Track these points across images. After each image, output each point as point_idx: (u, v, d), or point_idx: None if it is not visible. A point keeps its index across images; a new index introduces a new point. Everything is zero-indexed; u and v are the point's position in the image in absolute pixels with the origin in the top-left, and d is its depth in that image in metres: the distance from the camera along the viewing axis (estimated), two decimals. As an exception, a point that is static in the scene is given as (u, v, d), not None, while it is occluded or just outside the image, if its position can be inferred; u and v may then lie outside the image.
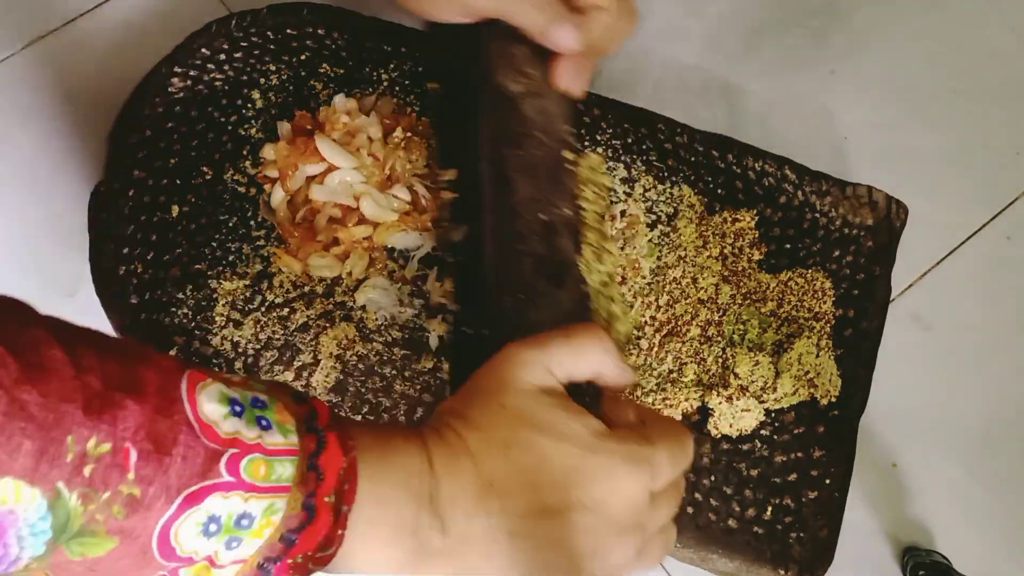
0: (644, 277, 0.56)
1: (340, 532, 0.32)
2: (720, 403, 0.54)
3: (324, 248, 0.55)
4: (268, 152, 0.57)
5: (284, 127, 0.57)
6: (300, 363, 0.53)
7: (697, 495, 0.53)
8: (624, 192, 0.58)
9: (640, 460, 0.36)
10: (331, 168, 0.55)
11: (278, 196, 0.56)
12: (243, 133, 0.58)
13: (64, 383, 0.27)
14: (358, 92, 0.59)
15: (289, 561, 0.31)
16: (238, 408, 0.30)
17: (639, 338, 0.55)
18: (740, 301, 0.56)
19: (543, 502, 0.35)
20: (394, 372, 0.53)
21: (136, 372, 0.29)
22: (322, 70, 0.59)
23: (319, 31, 0.60)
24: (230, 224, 0.56)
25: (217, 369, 0.33)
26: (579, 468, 0.35)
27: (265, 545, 0.30)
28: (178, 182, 0.56)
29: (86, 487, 0.27)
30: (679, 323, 0.55)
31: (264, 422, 0.31)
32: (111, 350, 0.29)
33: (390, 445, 0.34)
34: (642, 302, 0.55)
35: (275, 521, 0.30)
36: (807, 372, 0.55)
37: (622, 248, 0.56)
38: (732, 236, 0.58)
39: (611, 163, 0.58)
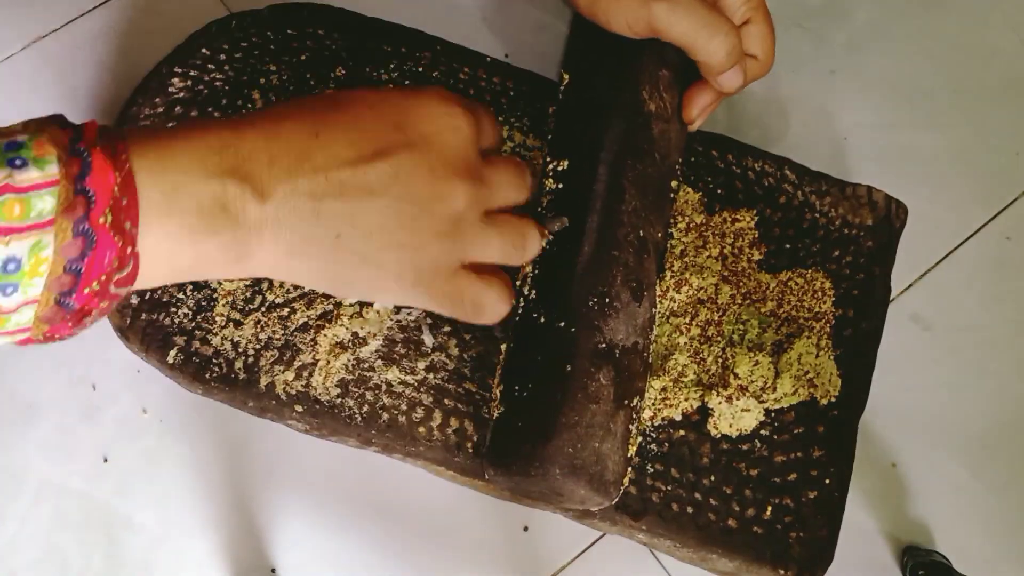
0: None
1: (130, 249, 0.31)
2: (720, 403, 0.54)
3: None
4: None
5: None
6: (300, 363, 0.53)
7: (697, 495, 0.53)
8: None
9: (457, 100, 0.36)
10: None
11: None
12: (243, 133, 0.58)
13: None
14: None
15: (87, 290, 0.30)
16: None
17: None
18: (740, 301, 0.56)
19: (370, 146, 0.33)
20: (394, 371, 0.53)
21: None
22: (322, 70, 0.59)
23: (319, 31, 0.60)
24: (230, 224, 0.56)
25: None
26: (404, 106, 0.34)
27: (52, 281, 0.29)
28: (178, 182, 0.56)
29: None
30: (679, 323, 0.55)
31: (18, 161, 0.29)
32: None
33: (181, 136, 0.32)
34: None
35: (47, 257, 0.29)
36: (807, 372, 0.55)
37: None
38: (732, 236, 0.58)
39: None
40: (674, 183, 0.50)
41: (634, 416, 0.48)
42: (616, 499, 0.47)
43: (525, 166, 0.41)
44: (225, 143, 0.33)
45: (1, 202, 0.28)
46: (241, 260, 0.34)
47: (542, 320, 0.45)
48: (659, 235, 0.48)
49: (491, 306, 0.39)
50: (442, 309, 0.40)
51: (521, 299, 0.46)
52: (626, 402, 0.47)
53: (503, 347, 0.47)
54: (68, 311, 0.30)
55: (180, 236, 0.32)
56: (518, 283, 0.46)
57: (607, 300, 0.45)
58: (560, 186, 0.47)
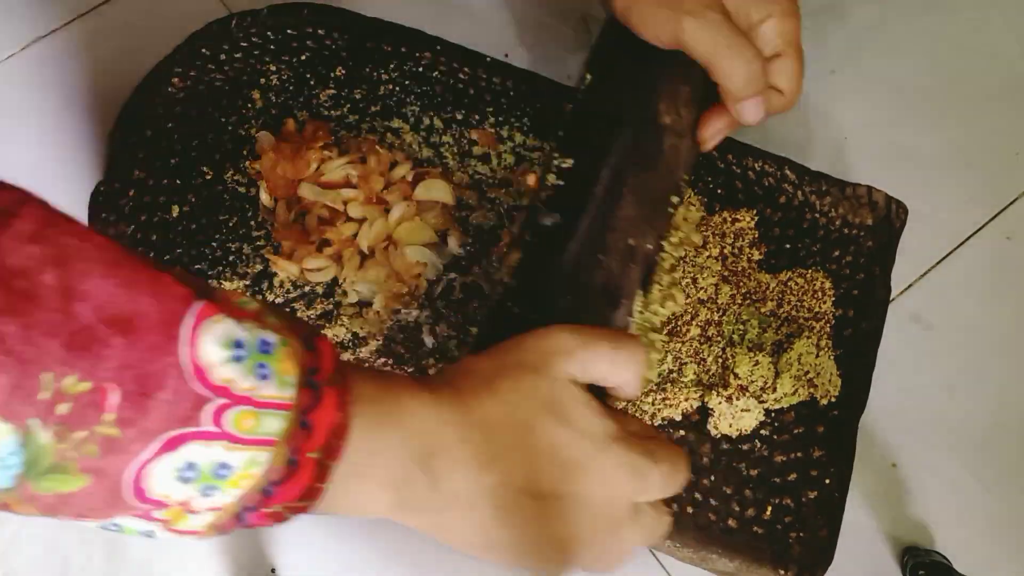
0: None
1: (320, 486, 0.31)
2: (720, 403, 0.54)
3: (316, 249, 0.55)
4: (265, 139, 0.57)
5: (267, 138, 0.57)
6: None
7: (697, 495, 0.53)
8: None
9: (639, 471, 0.36)
10: (320, 170, 0.56)
11: (265, 198, 0.56)
12: (243, 133, 0.58)
13: (49, 315, 0.26)
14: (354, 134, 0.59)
15: (266, 510, 0.31)
16: (240, 353, 0.29)
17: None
18: (740, 301, 0.56)
19: (539, 485, 0.35)
20: (394, 371, 0.53)
21: (136, 301, 0.27)
22: (322, 70, 0.59)
23: (319, 31, 0.60)
24: (230, 224, 0.56)
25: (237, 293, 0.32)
26: (584, 464, 0.35)
27: (245, 495, 0.30)
28: (178, 182, 0.56)
29: (60, 425, 0.26)
30: (679, 323, 0.55)
31: (263, 370, 0.29)
32: (119, 268, 0.28)
33: (395, 400, 0.34)
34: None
35: (256, 474, 0.29)
36: (807, 372, 0.55)
37: None
38: (732, 236, 0.58)
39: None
40: (675, 199, 0.50)
41: None
42: None
43: (685, 462, 0.39)
44: (425, 427, 0.34)
45: (239, 412, 0.29)
46: (401, 518, 0.35)
47: (516, 311, 0.45)
48: (650, 247, 0.48)
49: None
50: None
51: (500, 286, 0.46)
52: None
53: (473, 330, 0.47)
54: (239, 524, 0.31)
55: (360, 493, 0.33)
56: (495, 262, 0.47)
57: (581, 302, 0.45)
58: (561, 183, 0.48)
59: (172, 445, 0.28)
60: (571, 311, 0.44)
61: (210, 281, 0.54)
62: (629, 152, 0.47)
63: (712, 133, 0.50)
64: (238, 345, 0.29)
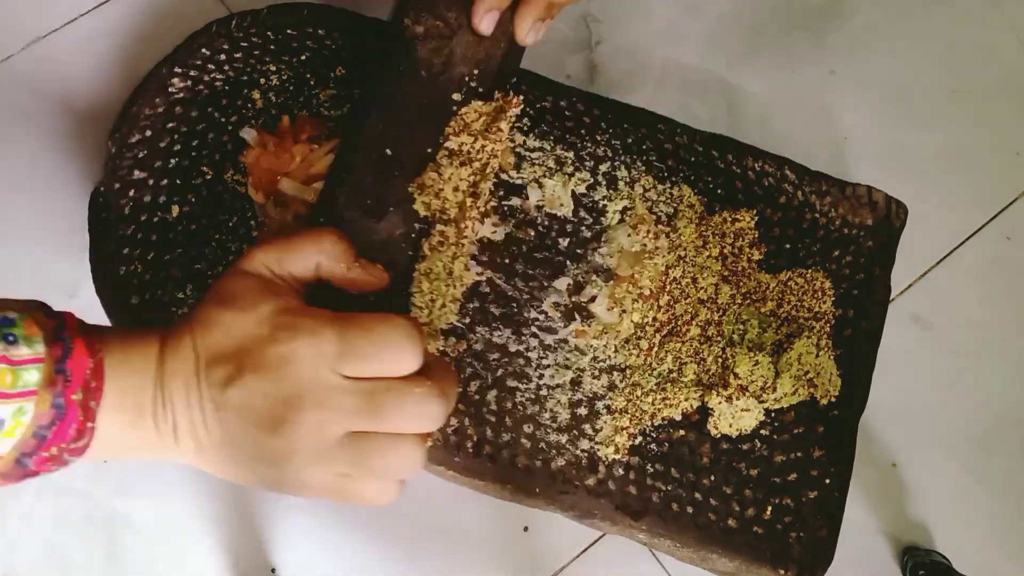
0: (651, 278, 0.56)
1: (90, 424, 0.36)
2: (720, 403, 0.54)
3: None
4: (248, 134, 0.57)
5: (249, 133, 0.57)
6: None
7: (697, 495, 0.53)
8: (627, 191, 0.58)
9: (315, 332, 0.38)
10: (308, 162, 0.56)
11: (252, 193, 0.56)
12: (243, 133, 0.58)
13: None
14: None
15: (45, 454, 0.35)
16: None
17: (639, 338, 0.55)
18: (740, 301, 0.56)
19: (228, 370, 0.37)
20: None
21: None
22: (322, 70, 0.59)
23: (319, 31, 0.60)
24: (230, 224, 0.56)
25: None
26: (255, 336, 0.38)
27: (20, 442, 0.34)
28: (178, 182, 0.56)
29: None
30: (679, 323, 0.55)
31: (11, 337, 0.34)
32: None
33: (133, 341, 0.38)
34: (644, 303, 0.55)
35: (25, 421, 0.34)
36: (807, 372, 0.55)
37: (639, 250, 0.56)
38: (732, 236, 0.58)
39: (614, 162, 0.58)
40: (457, 96, 0.51)
41: None
42: None
43: (396, 327, 0.39)
44: (159, 355, 0.38)
45: None
46: (169, 451, 0.39)
47: None
48: (427, 149, 0.50)
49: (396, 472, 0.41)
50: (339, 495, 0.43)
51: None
52: None
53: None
54: (23, 469, 0.36)
55: (125, 425, 0.37)
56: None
57: (331, 218, 0.47)
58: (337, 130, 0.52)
59: None
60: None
61: (210, 281, 0.54)
62: (372, 73, 0.50)
63: (520, 22, 0.50)
64: None
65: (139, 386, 0.37)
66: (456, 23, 0.50)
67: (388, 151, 0.49)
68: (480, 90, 0.51)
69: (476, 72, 0.51)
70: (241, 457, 0.38)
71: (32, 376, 0.34)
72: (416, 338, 0.39)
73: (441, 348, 0.53)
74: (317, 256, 0.41)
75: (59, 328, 0.36)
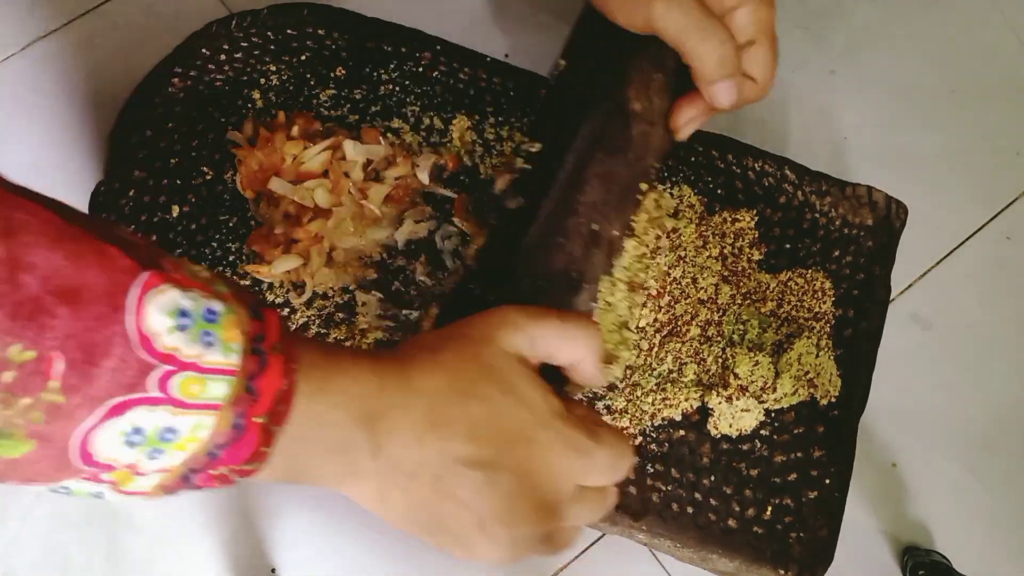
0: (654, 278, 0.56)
1: (265, 450, 0.32)
2: (720, 403, 0.54)
3: (284, 249, 0.55)
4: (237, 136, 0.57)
5: (237, 136, 0.57)
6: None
7: (697, 495, 0.53)
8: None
9: (581, 450, 0.37)
10: (296, 163, 0.56)
11: (240, 190, 0.56)
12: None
13: None
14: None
15: (213, 472, 0.32)
16: (185, 321, 0.30)
17: (639, 338, 0.55)
18: (740, 301, 0.56)
19: (478, 455, 0.35)
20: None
21: (83, 273, 0.28)
22: (322, 70, 0.59)
23: (319, 31, 0.60)
24: (230, 224, 0.56)
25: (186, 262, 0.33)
26: (524, 434, 0.36)
27: (190, 457, 0.31)
28: (178, 182, 0.56)
29: (5, 392, 0.27)
30: (679, 323, 0.55)
31: (209, 338, 0.30)
32: (65, 242, 0.28)
33: (339, 367, 0.35)
34: (642, 303, 0.55)
35: (202, 437, 0.31)
36: (807, 372, 0.55)
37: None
38: (732, 236, 0.58)
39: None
40: (644, 185, 0.50)
41: None
42: None
43: (630, 450, 0.40)
44: (367, 393, 0.35)
45: (185, 377, 0.30)
46: (344, 489, 0.36)
47: (476, 292, 0.45)
48: (615, 233, 0.48)
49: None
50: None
51: (462, 266, 0.46)
52: None
53: (433, 312, 0.47)
54: (186, 485, 0.32)
55: (306, 458, 0.34)
56: (459, 247, 0.47)
57: (541, 285, 0.45)
58: (528, 167, 0.48)
59: (118, 411, 0.28)
60: (530, 293, 0.44)
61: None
62: (596, 138, 0.47)
63: (685, 120, 0.49)
64: (183, 314, 0.30)
65: (336, 421, 0.34)
66: (660, 112, 0.49)
67: (594, 226, 0.46)
68: (654, 181, 0.50)
69: (658, 166, 0.50)
70: (433, 527, 0.37)
71: (220, 389, 0.30)
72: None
73: None
74: (585, 352, 0.39)
75: (259, 339, 0.32)
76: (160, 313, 0.29)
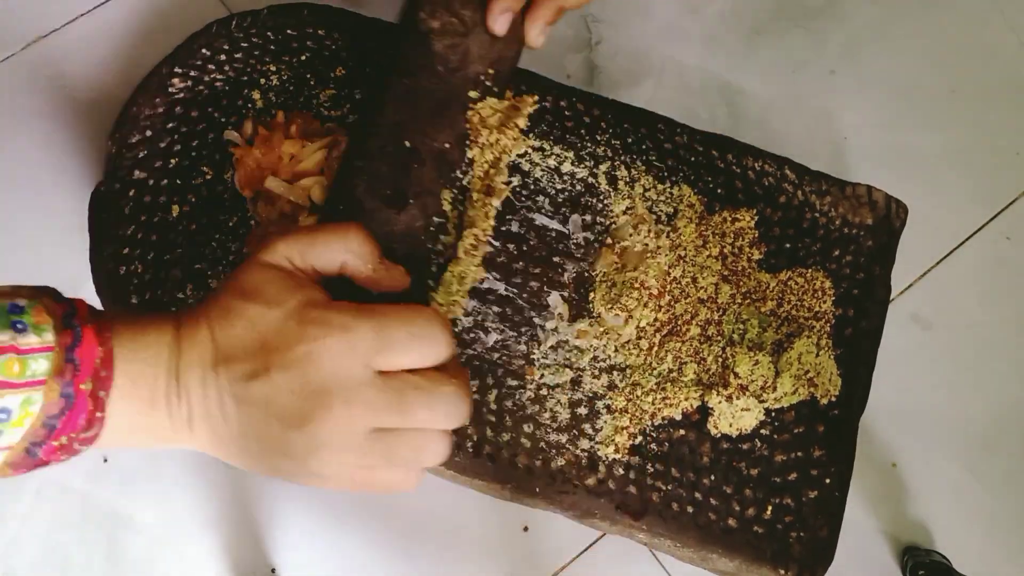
0: (655, 277, 0.56)
1: (100, 414, 0.36)
2: (720, 402, 0.54)
3: None
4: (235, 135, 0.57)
5: (233, 135, 0.57)
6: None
7: (697, 494, 0.53)
8: (626, 191, 0.58)
9: (350, 327, 0.37)
10: (295, 162, 0.56)
11: (238, 189, 0.56)
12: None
13: None
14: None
15: (55, 443, 0.35)
16: None
17: (639, 338, 0.55)
18: (740, 300, 0.56)
19: (253, 368, 0.37)
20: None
21: None
22: (322, 70, 0.59)
23: (319, 31, 0.60)
24: (230, 224, 0.56)
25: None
26: (282, 331, 0.37)
27: (29, 432, 0.34)
28: (178, 182, 0.56)
29: None
30: (679, 323, 0.55)
31: (19, 325, 0.34)
32: None
33: (144, 329, 0.38)
34: (644, 303, 0.55)
35: (34, 411, 0.34)
36: (807, 371, 0.55)
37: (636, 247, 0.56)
38: (732, 236, 0.58)
39: (614, 162, 0.58)
40: (474, 93, 0.51)
41: None
42: None
43: (427, 320, 0.40)
44: (171, 344, 0.38)
45: (4, 360, 0.33)
46: (182, 440, 0.39)
47: None
48: (444, 145, 0.50)
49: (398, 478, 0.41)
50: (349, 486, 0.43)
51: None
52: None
53: None
54: (32, 459, 0.35)
55: (135, 413, 0.37)
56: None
57: (351, 206, 0.47)
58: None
59: None
60: (341, 216, 0.47)
61: (210, 281, 0.54)
62: (389, 65, 0.50)
63: (531, 25, 0.51)
64: None
65: (151, 375, 0.37)
66: (471, 21, 0.50)
67: (407, 143, 0.48)
68: (495, 89, 0.51)
69: (491, 72, 0.51)
70: (261, 450, 0.38)
71: (41, 365, 0.34)
72: (448, 329, 0.39)
73: None
74: (344, 254, 0.41)
75: (69, 315, 0.35)
76: None
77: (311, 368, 0.37)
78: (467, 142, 0.51)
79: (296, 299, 0.38)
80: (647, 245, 0.56)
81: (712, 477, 0.53)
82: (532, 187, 0.56)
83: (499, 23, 0.50)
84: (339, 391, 0.37)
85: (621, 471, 0.53)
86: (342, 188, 0.48)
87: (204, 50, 0.58)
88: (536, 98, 0.54)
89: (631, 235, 0.56)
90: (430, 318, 0.39)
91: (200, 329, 0.38)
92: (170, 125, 0.57)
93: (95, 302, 0.53)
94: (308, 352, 0.37)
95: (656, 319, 0.55)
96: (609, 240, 0.56)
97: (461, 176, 0.51)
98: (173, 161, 0.56)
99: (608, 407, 0.54)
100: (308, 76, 0.59)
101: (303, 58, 0.59)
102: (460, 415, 0.39)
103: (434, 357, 0.39)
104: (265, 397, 0.37)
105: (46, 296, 0.36)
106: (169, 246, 0.54)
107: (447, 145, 0.50)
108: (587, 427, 0.53)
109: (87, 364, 0.35)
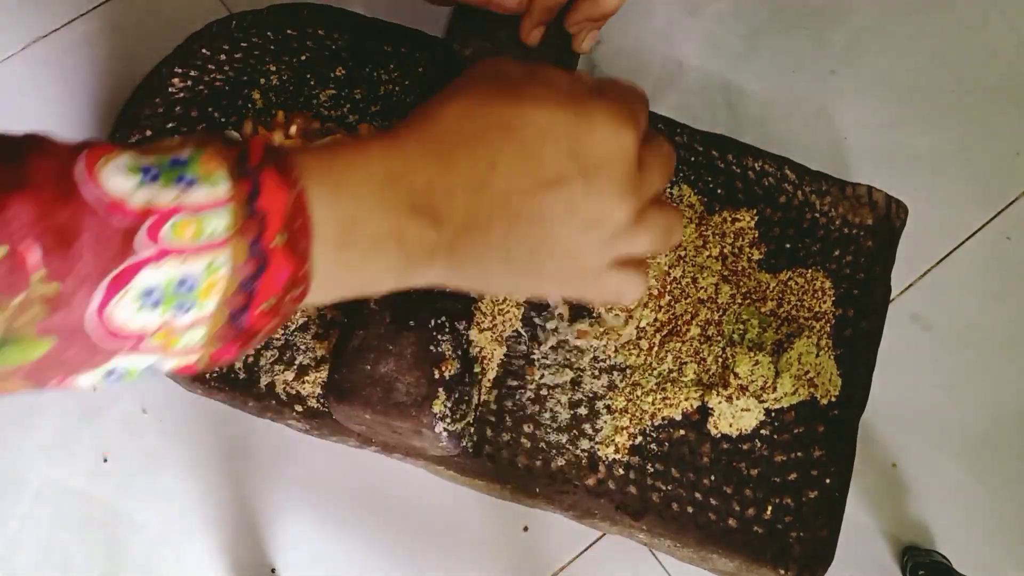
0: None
1: (303, 271, 0.30)
2: (720, 403, 0.54)
3: None
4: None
5: (234, 135, 0.57)
6: (300, 363, 0.53)
7: (697, 495, 0.53)
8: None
9: (624, 111, 0.35)
10: None
11: None
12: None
13: None
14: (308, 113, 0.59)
15: (259, 310, 0.30)
16: (153, 173, 0.28)
17: (639, 338, 0.55)
18: (740, 301, 0.56)
19: (553, 171, 0.34)
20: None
21: (24, 165, 0.27)
22: (322, 70, 0.59)
23: (319, 31, 0.60)
24: (230, 224, 0.56)
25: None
26: (576, 131, 0.34)
27: (224, 300, 0.29)
28: (178, 182, 0.56)
29: None
30: (679, 323, 0.55)
31: (186, 179, 0.28)
32: None
33: (347, 161, 0.32)
34: (644, 303, 0.55)
35: (222, 277, 0.29)
36: (807, 372, 0.55)
37: None
38: (732, 236, 0.58)
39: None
40: None
41: (438, 336, 0.49)
42: (437, 430, 0.48)
43: (672, 153, 0.39)
44: (398, 173, 0.33)
45: (174, 223, 0.28)
46: (411, 279, 0.35)
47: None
48: None
49: (630, 294, 0.40)
50: (590, 299, 0.43)
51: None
52: (411, 322, 0.48)
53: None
54: (239, 330, 0.30)
55: (354, 263, 0.32)
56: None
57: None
58: None
59: (121, 281, 0.27)
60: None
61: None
62: (434, 88, 0.51)
63: (573, 25, 0.50)
64: (146, 171, 0.28)
65: (371, 213, 0.32)
66: (506, 40, 0.51)
67: None
68: None
69: None
70: (542, 259, 0.35)
71: (220, 222, 0.28)
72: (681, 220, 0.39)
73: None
74: None
75: (242, 160, 0.30)
76: (118, 175, 0.28)
77: (616, 167, 0.34)
78: None
79: (569, 85, 0.35)
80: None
81: (712, 477, 0.53)
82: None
83: (532, 36, 0.50)
84: (631, 179, 0.35)
85: (621, 471, 0.53)
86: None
87: (204, 50, 0.58)
88: None
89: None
90: (677, 215, 0.38)
91: (456, 150, 0.34)
92: (170, 125, 0.57)
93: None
94: (615, 152, 0.34)
95: (656, 319, 0.55)
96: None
97: None
98: (173, 161, 0.56)
99: (608, 407, 0.54)
100: (308, 76, 0.59)
101: (303, 58, 0.59)
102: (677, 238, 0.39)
103: (670, 244, 0.38)
104: (569, 200, 0.34)
105: (213, 141, 0.30)
106: (169, 246, 0.54)
107: None
108: (587, 427, 0.53)
109: (275, 215, 0.29)
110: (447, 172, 0.33)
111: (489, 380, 0.53)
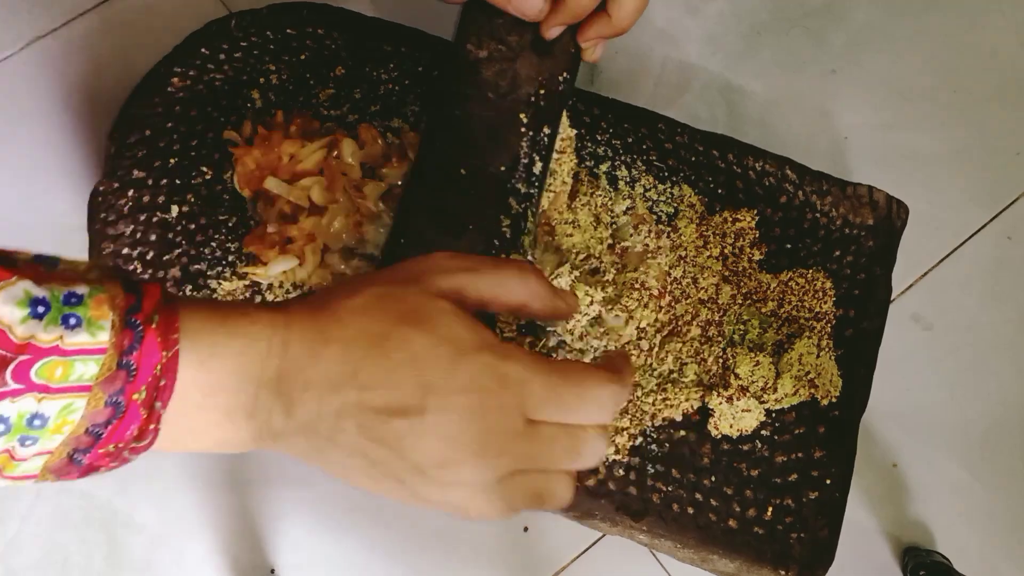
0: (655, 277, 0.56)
1: (153, 427, 0.31)
2: (720, 403, 0.54)
3: (280, 249, 0.55)
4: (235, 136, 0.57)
5: (234, 135, 0.57)
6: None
7: (698, 495, 0.53)
8: (627, 191, 0.58)
9: (525, 383, 0.34)
10: (294, 162, 0.56)
11: (239, 190, 0.56)
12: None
13: None
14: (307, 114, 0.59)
15: (101, 451, 0.31)
16: (41, 309, 0.29)
17: (640, 338, 0.55)
18: (740, 301, 0.56)
19: (401, 401, 0.33)
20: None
21: None
22: (322, 70, 0.59)
23: (319, 31, 0.60)
24: (230, 224, 0.56)
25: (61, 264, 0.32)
26: (447, 371, 0.33)
27: (70, 439, 0.30)
28: (178, 182, 0.56)
29: None
30: (680, 323, 0.55)
31: (72, 320, 0.29)
32: None
33: (232, 330, 0.33)
34: (645, 303, 0.55)
35: (73, 420, 0.30)
36: (808, 372, 0.55)
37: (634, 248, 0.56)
38: (732, 236, 0.58)
39: (614, 162, 0.58)
40: (523, 116, 0.52)
41: None
42: None
43: (603, 382, 0.36)
44: (273, 353, 0.33)
45: (44, 363, 0.29)
46: (255, 446, 0.35)
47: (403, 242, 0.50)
48: (500, 167, 0.50)
49: (474, 514, 0.37)
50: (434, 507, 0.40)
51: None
52: None
53: None
54: (78, 466, 0.31)
55: (205, 427, 0.33)
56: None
57: (413, 238, 0.48)
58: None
59: None
60: (404, 250, 0.48)
61: (210, 281, 0.54)
62: (436, 96, 0.52)
63: (587, 40, 0.51)
64: (37, 303, 0.29)
65: (234, 387, 0.33)
66: (519, 45, 0.51)
67: (462, 171, 0.50)
68: (546, 109, 0.52)
69: (541, 92, 0.52)
70: (378, 474, 0.34)
71: (88, 369, 0.29)
72: (623, 396, 0.36)
73: None
74: (524, 294, 0.37)
75: (132, 311, 0.30)
76: (8, 304, 0.28)
77: (473, 419, 0.33)
78: (522, 162, 0.52)
79: (472, 339, 0.34)
80: (647, 245, 0.56)
81: (712, 478, 0.53)
82: (532, 187, 0.56)
83: (551, 33, 0.50)
84: (494, 442, 0.34)
85: (621, 472, 0.53)
86: (403, 221, 0.49)
87: (203, 50, 0.58)
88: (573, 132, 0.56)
89: (631, 235, 0.56)
90: (603, 382, 0.36)
91: (329, 344, 0.33)
92: (169, 124, 0.57)
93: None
94: (477, 403, 0.33)
95: (657, 320, 0.55)
96: (610, 240, 0.56)
97: (519, 199, 0.51)
98: (172, 161, 0.56)
99: (608, 407, 0.54)
100: (308, 76, 0.59)
101: (303, 58, 0.59)
102: (598, 460, 0.37)
103: (596, 418, 0.36)
104: (406, 435, 0.33)
105: (115, 281, 0.31)
106: (168, 246, 0.54)
107: (503, 168, 0.51)
108: (587, 427, 0.53)
109: (144, 371, 0.30)
110: (313, 365, 0.33)
111: None
